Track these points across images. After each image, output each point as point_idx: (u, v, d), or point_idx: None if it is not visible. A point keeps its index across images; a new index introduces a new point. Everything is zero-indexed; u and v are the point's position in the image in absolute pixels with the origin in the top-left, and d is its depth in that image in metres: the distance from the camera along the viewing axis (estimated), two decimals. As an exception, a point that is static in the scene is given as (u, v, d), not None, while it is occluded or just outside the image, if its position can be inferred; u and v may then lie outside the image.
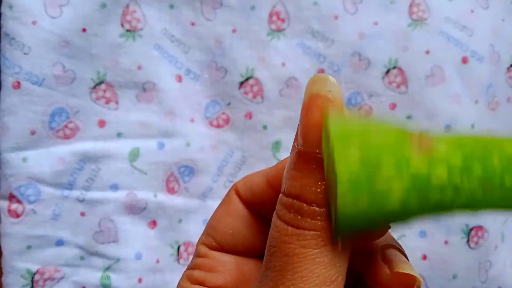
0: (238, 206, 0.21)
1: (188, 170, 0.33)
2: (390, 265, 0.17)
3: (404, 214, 0.15)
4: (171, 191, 0.33)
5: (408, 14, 0.34)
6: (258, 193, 0.20)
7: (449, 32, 0.34)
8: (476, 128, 0.33)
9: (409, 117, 0.34)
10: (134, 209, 0.33)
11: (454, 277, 0.34)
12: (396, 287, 0.17)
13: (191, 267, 0.21)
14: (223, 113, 0.34)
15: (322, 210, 0.15)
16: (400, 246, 0.20)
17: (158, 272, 0.33)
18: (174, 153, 0.33)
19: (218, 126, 0.34)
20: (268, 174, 0.20)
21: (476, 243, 0.34)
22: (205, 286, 0.20)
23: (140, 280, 0.32)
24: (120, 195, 0.32)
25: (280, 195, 0.16)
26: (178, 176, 0.33)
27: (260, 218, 0.21)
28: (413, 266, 0.31)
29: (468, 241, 0.34)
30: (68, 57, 0.32)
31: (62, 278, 0.32)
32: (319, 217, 0.15)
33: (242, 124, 0.34)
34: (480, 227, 0.34)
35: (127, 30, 0.32)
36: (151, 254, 0.33)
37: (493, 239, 0.34)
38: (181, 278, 0.21)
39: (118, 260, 0.32)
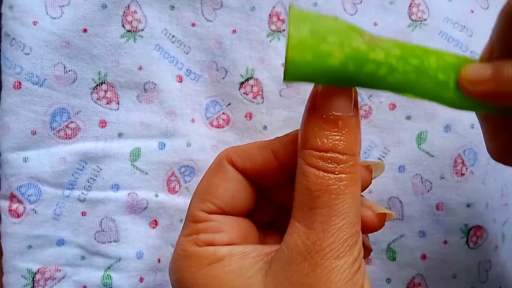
0: (234, 174, 0.24)
1: (189, 170, 0.33)
2: (371, 208, 0.23)
3: (343, 75, 0.20)
4: (172, 191, 0.33)
5: (408, 15, 0.34)
6: (259, 164, 0.24)
7: (449, 32, 0.34)
8: (475, 129, 0.34)
9: (408, 117, 0.34)
10: (135, 208, 0.33)
11: (454, 277, 0.34)
12: (378, 223, 0.23)
13: (193, 232, 0.23)
14: (224, 113, 0.34)
15: (351, 156, 0.20)
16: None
17: (159, 272, 0.33)
18: (175, 153, 0.33)
19: (218, 126, 0.34)
20: (273, 147, 0.24)
21: (476, 243, 0.34)
22: (216, 245, 0.23)
23: (141, 280, 0.33)
24: (121, 195, 0.32)
25: (309, 151, 0.20)
26: (179, 176, 0.33)
27: (252, 183, 0.24)
28: (413, 266, 0.33)
29: (467, 241, 0.34)
30: (69, 58, 0.32)
31: (63, 277, 0.32)
32: (350, 163, 0.20)
33: (242, 125, 0.34)
34: (479, 227, 0.34)
35: (128, 31, 0.33)
36: (152, 253, 0.33)
37: (493, 239, 0.34)
38: (180, 245, 0.23)
39: (119, 259, 0.32)
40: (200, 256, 0.22)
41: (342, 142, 0.20)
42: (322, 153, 0.20)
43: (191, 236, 0.23)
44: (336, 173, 0.20)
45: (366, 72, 0.20)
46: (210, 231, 0.23)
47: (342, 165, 0.20)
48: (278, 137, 0.24)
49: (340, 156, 0.20)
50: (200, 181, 0.25)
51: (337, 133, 0.20)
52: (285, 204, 0.25)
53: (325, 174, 0.20)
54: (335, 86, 0.21)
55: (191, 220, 0.24)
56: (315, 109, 0.21)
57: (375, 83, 0.21)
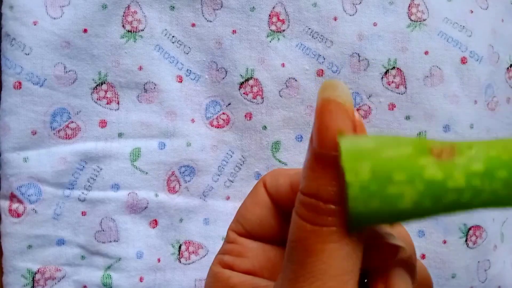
0: (265, 198, 0.23)
1: (189, 170, 0.33)
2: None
3: (417, 214, 0.17)
4: (172, 190, 0.33)
5: (407, 15, 0.34)
6: (282, 193, 0.22)
7: (448, 32, 0.34)
8: (475, 128, 0.34)
9: (407, 118, 0.34)
10: (135, 208, 0.33)
11: (453, 276, 0.34)
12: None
13: (222, 252, 0.23)
14: (223, 113, 0.34)
15: (337, 208, 0.17)
16: (413, 262, 0.21)
17: (159, 271, 0.33)
18: (175, 153, 0.33)
19: (218, 126, 0.34)
20: (292, 178, 0.22)
21: (475, 242, 0.34)
22: (234, 270, 0.22)
23: (141, 279, 0.33)
24: (121, 194, 0.33)
25: (298, 193, 0.18)
26: (179, 175, 0.33)
27: (283, 211, 0.22)
28: None
29: (466, 240, 0.34)
30: (69, 58, 0.32)
31: (63, 277, 0.32)
32: (334, 215, 0.17)
33: (242, 125, 0.34)
34: (478, 227, 0.34)
35: (128, 31, 0.33)
36: (152, 253, 0.33)
37: (492, 239, 0.34)
38: (213, 261, 0.23)
39: (119, 259, 0.32)
40: (218, 278, 0.22)
41: (329, 188, 0.17)
42: (305, 197, 0.17)
43: (220, 255, 0.23)
44: (320, 225, 0.17)
45: (445, 204, 0.17)
46: (232, 254, 0.22)
47: (325, 217, 0.17)
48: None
49: (321, 204, 0.17)
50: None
51: (326, 176, 0.17)
52: None
53: (306, 224, 0.17)
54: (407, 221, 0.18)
55: (226, 239, 0.23)
56: (311, 142, 0.18)
57: (457, 210, 0.17)
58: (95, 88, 0.33)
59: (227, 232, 0.23)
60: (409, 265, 0.20)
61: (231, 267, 0.22)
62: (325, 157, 0.17)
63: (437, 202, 0.17)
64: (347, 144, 0.17)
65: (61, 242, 0.32)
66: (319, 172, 0.17)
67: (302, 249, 0.17)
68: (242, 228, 0.23)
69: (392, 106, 0.34)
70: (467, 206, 0.17)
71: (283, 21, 0.33)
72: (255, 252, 0.22)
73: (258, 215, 0.22)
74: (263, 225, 0.22)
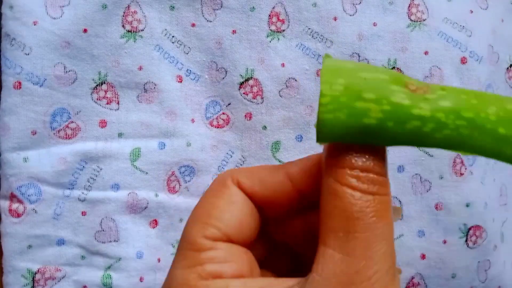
0: (241, 197, 0.21)
1: (189, 170, 0.33)
2: None
3: (381, 133, 0.18)
4: (172, 190, 0.33)
5: (407, 15, 0.34)
6: (271, 188, 0.21)
7: (448, 32, 0.34)
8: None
9: None
10: (135, 208, 0.33)
11: (453, 276, 0.34)
12: None
13: (194, 263, 0.20)
14: (223, 113, 0.34)
15: (385, 179, 0.19)
16: None
17: (159, 271, 0.33)
18: (175, 153, 0.33)
19: (218, 126, 0.34)
20: (289, 171, 0.21)
21: (475, 242, 0.34)
22: (224, 278, 0.20)
23: (141, 279, 0.33)
24: (121, 194, 0.33)
25: (343, 170, 0.18)
26: (179, 175, 0.33)
27: (257, 209, 0.22)
28: (412, 265, 0.32)
29: (466, 240, 0.34)
30: (69, 58, 0.32)
31: (63, 277, 0.32)
32: (386, 185, 0.19)
33: (242, 125, 0.34)
34: (478, 227, 0.34)
35: (128, 31, 0.33)
36: (152, 253, 0.33)
37: (492, 239, 0.34)
38: (181, 279, 0.20)
39: (119, 259, 0.32)
40: None
41: (377, 163, 0.19)
42: (358, 172, 0.18)
43: (194, 267, 0.20)
44: (376, 194, 0.18)
45: (408, 130, 0.18)
46: (216, 261, 0.20)
47: (379, 187, 0.19)
48: (292, 161, 0.22)
49: (377, 177, 0.19)
50: (198, 203, 0.22)
51: (372, 154, 0.19)
52: (283, 241, 0.23)
53: (364, 195, 0.18)
54: (372, 144, 0.19)
55: (192, 248, 0.20)
56: None
57: (419, 140, 0.19)
58: (95, 88, 0.33)
59: (194, 239, 0.20)
60: None
61: (219, 276, 0.20)
62: None
63: (400, 126, 0.18)
64: (330, 62, 0.19)
65: (61, 242, 0.32)
66: (365, 151, 0.19)
67: (371, 217, 0.18)
68: (218, 231, 0.20)
69: (392, 106, 0.34)
70: (428, 137, 0.18)
71: (283, 21, 0.33)
72: (238, 255, 0.21)
73: (237, 216, 0.21)
74: (243, 226, 0.21)
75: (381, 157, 0.19)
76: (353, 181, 0.18)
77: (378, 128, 0.18)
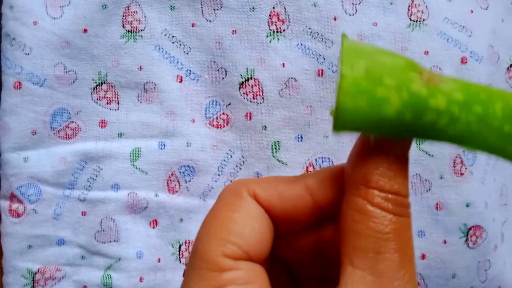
0: (260, 211, 0.20)
1: (189, 170, 0.33)
2: None
3: (399, 125, 0.17)
4: (172, 190, 0.33)
5: (407, 15, 0.34)
6: (292, 201, 0.20)
7: (448, 32, 0.34)
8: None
9: None
10: (135, 208, 0.33)
11: (453, 276, 0.34)
12: None
13: (215, 286, 0.18)
14: (223, 113, 0.34)
15: (408, 201, 0.19)
16: None
17: (159, 271, 0.33)
18: (175, 153, 0.33)
19: (218, 126, 0.34)
20: (308, 184, 0.20)
21: (475, 242, 0.34)
22: None
23: (141, 279, 0.33)
24: (121, 194, 0.33)
25: (374, 191, 0.18)
26: (179, 175, 0.33)
27: (275, 223, 0.20)
28: None
29: (466, 240, 0.34)
30: (69, 58, 0.32)
31: (63, 277, 0.32)
32: (409, 207, 0.19)
33: (242, 124, 0.34)
34: (478, 227, 0.34)
35: (128, 31, 0.33)
36: (152, 253, 0.33)
37: (492, 239, 0.34)
38: None
39: (119, 259, 0.32)
40: None
41: (404, 186, 0.19)
42: (387, 194, 0.18)
43: None
44: (405, 217, 0.18)
45: (424, 123, 0.18)
46: (239, 283, 0.18)
47: (405, 209, 0.18)
48: (310, 173, 0.21)
49: (405, 200, 0.19)
50: (212, 216, 0.20)
51: (399, 175, 0.18)
52: (286, 257, 0.22)
53: (394, 217, 0.18)
54: (387, 137, 0.18)
55: (211, 268, 0.18)
56: (377, 148, 0.19)
57: (433, 135, 0.18)
58: (95, 88, 0.33)
59: (213, 258, 0.18)
60: None
61: None
62: (396, 159, 0.19)
63: (417, 118, 0.17)
64: (349, 43, 0.18)
65: (61, 242, 0.32)
66: (395, 172, 0.18)
67: (402, 239, 0.18)
68: (239, 249, 0.19)
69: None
70: (440, 133, 0.18)
71: (283, 21, 0.33)
72: (258, 275, 0.19)
73: (258, 232, 0.19)
74: (263, 243, 0.19)
75: (406, 178, 0.19)
76: (384, 203, 0.18)
77: (396, 119, 0.17)
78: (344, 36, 0.18)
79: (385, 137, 0.18)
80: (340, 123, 0.18)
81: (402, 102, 0.17)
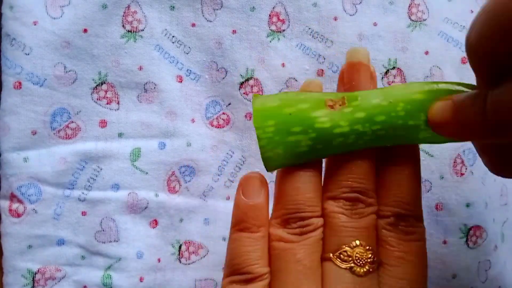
0: None
1: (189, 170, 0.33)
2: None
3: (314, 154, 0.22)
4: (172, 190, 0.33)
5: (408, 15, 0.34)
6: None
7: (449, 32, 0.34)
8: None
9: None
10: (135, 208, 0.33)
11: (454, 277, 0.34)
12: None
13: None
14: (224, 113, 0.34)
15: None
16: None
17: (159, 271, 0.33)
18: (175, 153, 0.33)
19: (218, 126, 0.34)
20: None
21: (475, 243, 0.34)
22: None
23: (141, 279, 0.33)
24: (121, 194, 0.33)
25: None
26: (179, 175, 0.33)
27: None
28: None
29: (467, 241, 0.34)
30: (69, 58, 0.32)
31: (63, 277, 0.32)
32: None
33: (242, 124, 0.34)
34: (479, 227, 0.34)
35: (128, 31, 0.33)
36: (152, 253, 0.33)
37: (492, 239, 0.34)
38: None
39: (119, 259, 0.32)
40: None
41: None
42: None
43: None
44: None
45: (335, 145, 0.22)
46: None
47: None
48: None
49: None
50: None
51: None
52: None
53: None
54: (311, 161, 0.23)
55: None
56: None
57: (347, 149, 0.22)
58: (95, 88, 0.33)
59: None
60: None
61: None
62: None
63: (328, 145, 0.22)
64: (258, 104, 0.22)
65: (61, 242, 0.32)
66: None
67: None
68: None
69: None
70: (353, 145, 0.22)
71: (283, 21, 0.33)
72: None
73: None
74: None
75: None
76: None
77: (311, 151, 0.22)
78: (254, 96, 0.23)
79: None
80: (270, 167, 0.23)
81: (311, 140, 0.22)
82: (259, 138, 0.22)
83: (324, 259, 0.23)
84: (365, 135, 0.22)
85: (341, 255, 0.22)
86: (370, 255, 0.22)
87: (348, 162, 0.23)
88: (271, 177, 0.25)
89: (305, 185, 0.23)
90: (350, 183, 0.23)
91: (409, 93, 0.22)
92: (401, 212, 0.23)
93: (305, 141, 0.22)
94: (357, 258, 0.22)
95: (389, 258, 0.23)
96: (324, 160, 0.24)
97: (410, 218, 0.24)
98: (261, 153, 0.22)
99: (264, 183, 0.24)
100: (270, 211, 0.25)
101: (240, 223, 0.24)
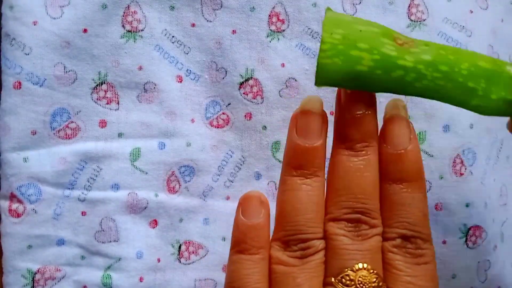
0: None
1: (189, 170, 0.33)
2: None
3: (370, 79, 0.21)
4: (172, 190, 0.33)
5: (407, 15, 0.34)
6: None
7: (448, 32, 0.34)
8: (474, 129, 0.34)
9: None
10: (135, 208, 0.33)
11: (453, 277, 0.34)
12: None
13: None
14: (223, 113, 0.34)
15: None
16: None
17: (159, 271, 0.33)
18: (175, 153, 0.33)
19: (218, 126, 0.34)
20: None
21: (475, 242, 0.34)
22: None
23: (141, 279, 0.33)
24: (121, 194, 0.33)
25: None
26: (179, 175, 0.33)
27: None
28: None
29: (466, 241, 0.34)
30: (69, 58, 0.32)
31: (63, 277, 0.32)
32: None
33: (242, 125, 0.34)
34: (478, 227, 0.34)
35: (128, 31, 0.33)
36: (152, 253, 0.33)
37: (492, 239, 0.34)
38: None
39: (119, 259, 0.32)
40: None
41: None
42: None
43: None
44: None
45: (393, 78, 0.21)
46: None
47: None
48: None
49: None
50: None
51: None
52: None
53: None
54: (362, 90, 0.22)
55: None
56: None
57: (402, 88, 0.22)
58: (95, 88, 0.33)
59: None
60: None
61: None
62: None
63: (386, 74, 0.21)
64: (332, 14, 0.22)
65: (61, 242, 0.32)
66: None
67: None
68: None
69: (392, 106, 0.34)
70: (409, 86, 0.22)
71: (283, 21, 0.33)
72: None
73: None
74: None
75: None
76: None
77: (369, 75, 0.21)
78: (328, 8, 0.22)
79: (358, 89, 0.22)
80: (320, 78, 0.22)
81: (373, 61, 0.21)
82: (322, 41, 0.21)
83: (325, 283, 0.22)
84: (424, 79, 0.21)
85: (343, 279, 0.21)
86: (374, 279, 0.21)
87: (349, 181, 0.22)
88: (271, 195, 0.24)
89: (305, 205, 0.22)
90: (352, 203, 0.22)
91: (476, 58, 0.22)
92: (407, 233, 0.22)
93: (367, 61, 0.21)
94: (360, 282, 0.21)
95: (397, 283, 0.22)
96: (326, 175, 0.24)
97: (417, 239, 0.22)
98: (319, 58, 0.21)
99: (264, 202, 0.23)
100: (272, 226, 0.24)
101: (240, 244, 0.23)
